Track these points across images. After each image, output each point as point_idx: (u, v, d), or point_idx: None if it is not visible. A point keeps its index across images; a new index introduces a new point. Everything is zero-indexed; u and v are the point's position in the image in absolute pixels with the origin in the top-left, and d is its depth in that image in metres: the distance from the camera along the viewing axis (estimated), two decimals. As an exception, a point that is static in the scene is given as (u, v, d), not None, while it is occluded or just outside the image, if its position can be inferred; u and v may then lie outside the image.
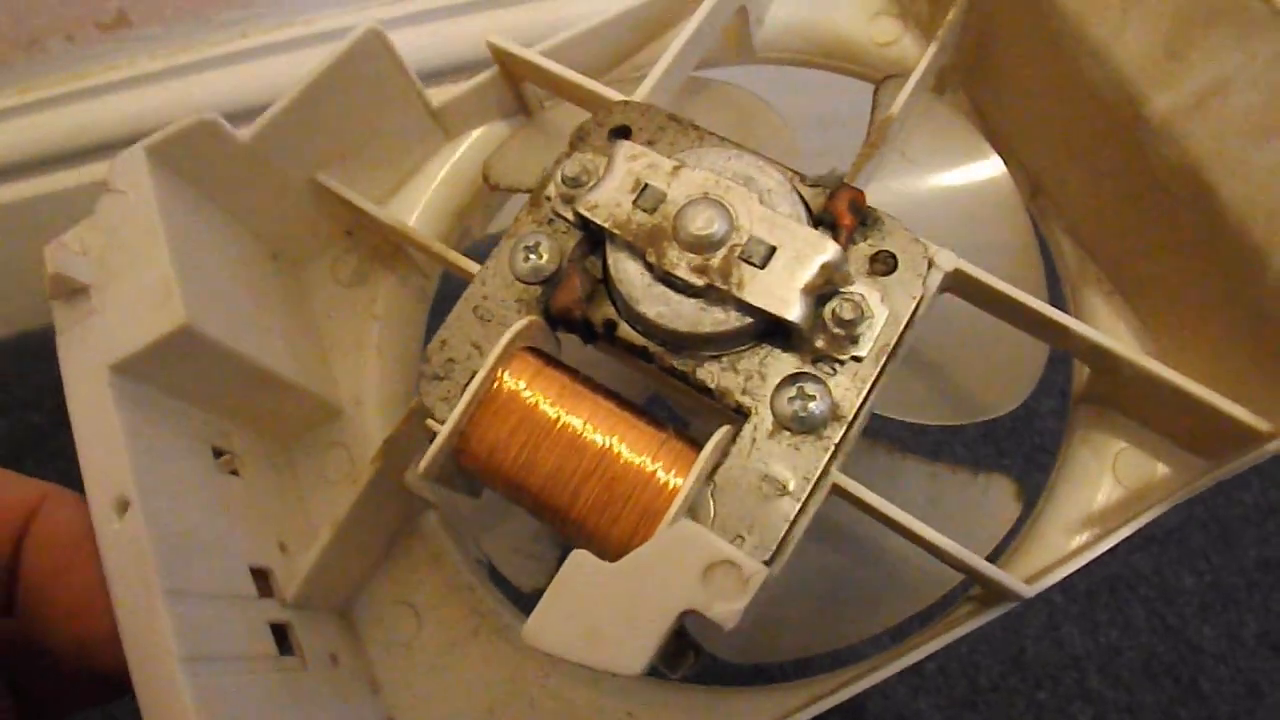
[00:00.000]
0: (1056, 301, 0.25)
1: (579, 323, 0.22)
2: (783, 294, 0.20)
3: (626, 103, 0.24)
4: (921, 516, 0.22)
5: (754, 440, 0.21)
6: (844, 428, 0.21)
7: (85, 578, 0.21)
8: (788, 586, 0.24)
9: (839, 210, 0.21)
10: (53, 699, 0.24)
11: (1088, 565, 0.43)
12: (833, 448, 0.20)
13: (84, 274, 0.24)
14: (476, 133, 0.30)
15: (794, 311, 0.20)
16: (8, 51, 0.57)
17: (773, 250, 0.21)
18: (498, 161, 0.29)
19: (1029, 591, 0.22)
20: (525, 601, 0.27)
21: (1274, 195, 0.22)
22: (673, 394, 0.24)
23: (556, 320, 0.22)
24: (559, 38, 0.29)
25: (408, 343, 0.30)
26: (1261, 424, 0.22)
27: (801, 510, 0.20)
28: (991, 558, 0.24)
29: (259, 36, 0.55)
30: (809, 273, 0.20)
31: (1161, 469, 0.25)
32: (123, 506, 0.22)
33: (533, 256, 0.22)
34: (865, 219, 0.22)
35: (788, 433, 0.21)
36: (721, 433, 0.21)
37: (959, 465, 0.27)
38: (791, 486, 0.20)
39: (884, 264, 0.21)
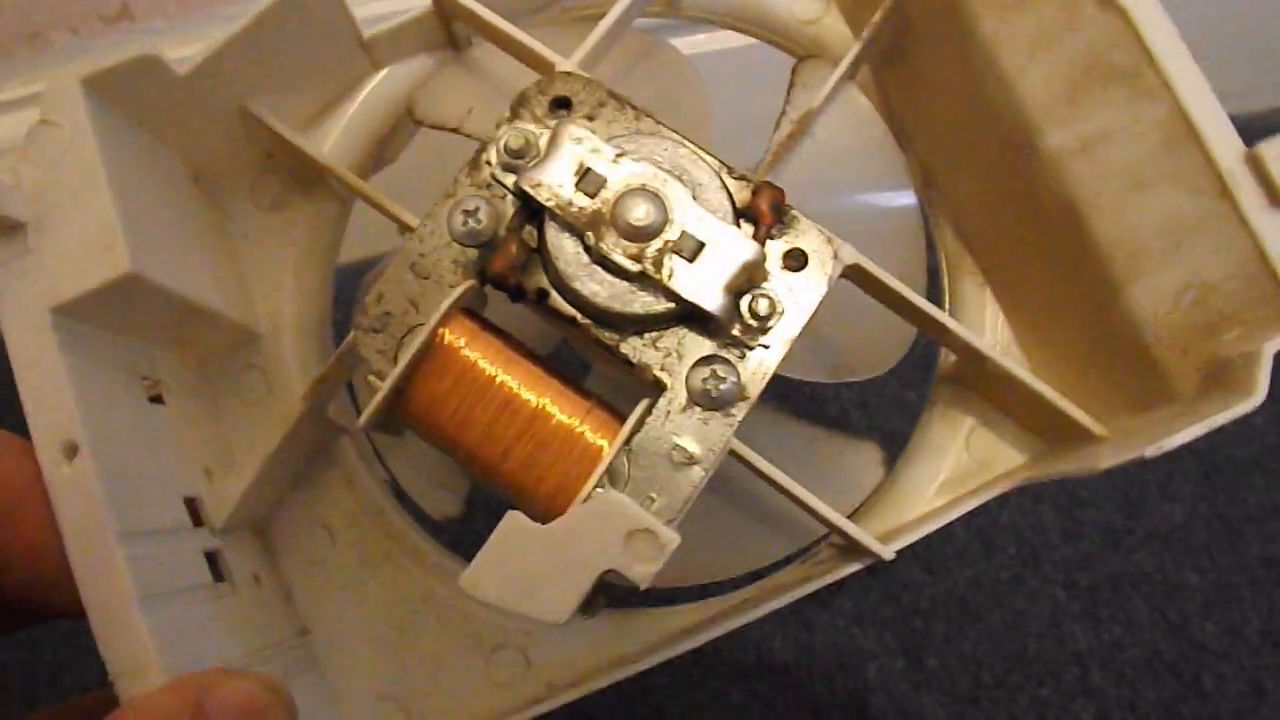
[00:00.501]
0: (933, 282, 0.29)
1: (512, 287, 0.23)
2: (707, 288, 0.22)
3: (570, 74, 0.25)
4: (796, 473, 0.25)
5: (668, 413, 0.23)
6: (748, 407, 0.23)
7: (35, 521, 0.22)
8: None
9: (761, 209, 0.24)
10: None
11: (1089, 562, 0.44)
12: (736, 424, 0.23)
13: (20, 210, 0.23)
14: (402, 65, 0.30)
15: (715, 305, 0.22)
16: (11, 44, 0.57)
17: (702, 246, 0.23)
18: (423, 97, 0.30)
19: (886, 552, 0.25)
20: (433, 525, 0.29)
21: (1137, 240, 0.24)
22: (586, 349, 0.26)
23: (490, 281, 0.24)
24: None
25: (324, 268, 0.30)
26: (1096, 427, 0.25)
27: (704, 476, 0.23)
28: (854, 516, 0.27)
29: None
30: (732, 272, 0.22)
31: (1008, 449, 0.28)
32: (71, 451, 0.22)
33: (471, 220, 0.24)
34: (783, 217, 0.24)
35: (698, 408, 0.23)
36: (641, 406, 0.23)
37: (834, 431, 0.30)
38: (699, 456, 0.23)
39: (796, 260, 0.24)
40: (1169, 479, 0.48)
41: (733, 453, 0.25)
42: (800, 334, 0.23)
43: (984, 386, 0.28)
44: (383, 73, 0.30)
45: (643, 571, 0.21)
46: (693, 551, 0.26)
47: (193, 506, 0.26)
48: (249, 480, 0.26)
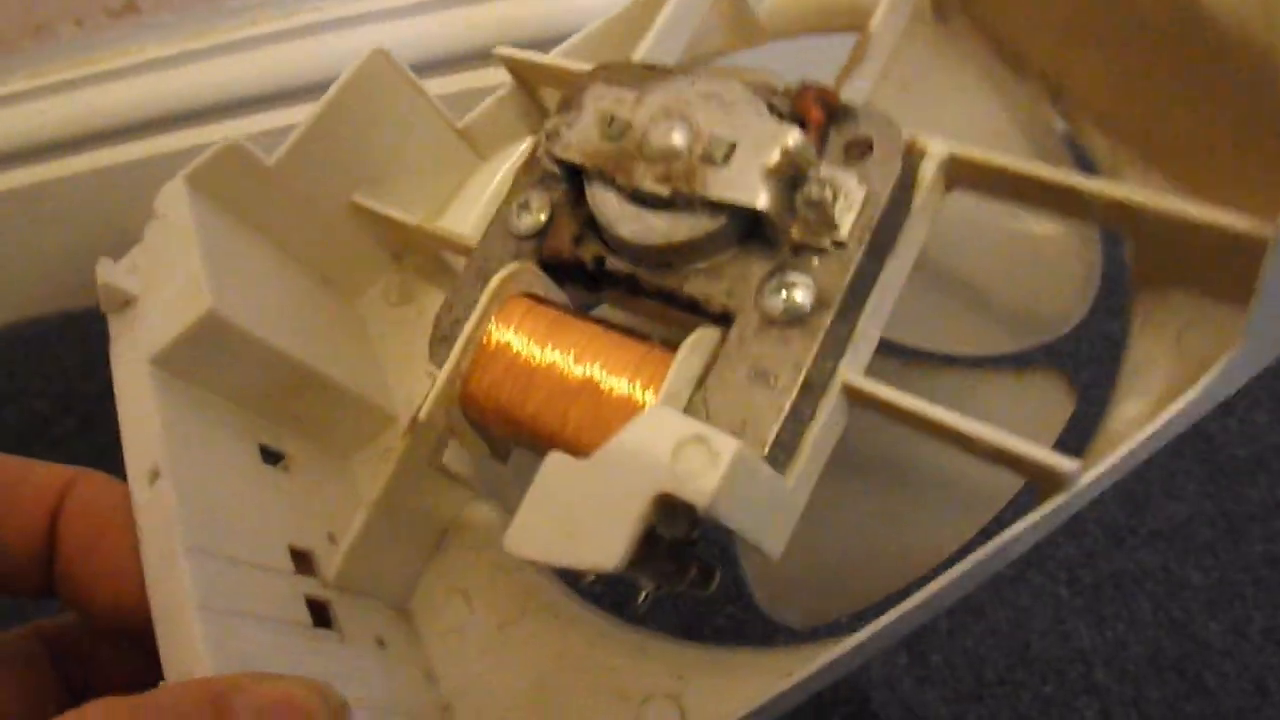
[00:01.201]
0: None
1: (571, 264, 0.23)
2: (746, 183, 0.20)
3: (605, 65, 0.24)
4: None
5: (741, 340, 0.20)
6: (832, 313, 0.20)
7: (119, 544, 0.23)
8: (842, 553, 0.25)
9: (806, 108, 0.21)
10: (99, 686, 0.25)
11: (1093, 559, 0.44)
12: (822, 334, 0.20)
13: (131, 286, 0.26)
14: (510, 149, 0.31)
15: (760, 199, 0.20)
16: (16, 37, 0.57)
17: (733, 147, 0.21)
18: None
19: (1071, 465, 0.20)
20: (569, 576, 0.27)
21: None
22: (657, 321, 0.24)
23: (552, 267, 0.23)
24: (566, 43, 0.30)
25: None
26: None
27: (800, 402, 0.20)
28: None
29: (269, 24, 0.55)
30: (769, 160, 0.20)
31: (1229, 334, 0.22)
32: (154, 476, 0.23)
33: (525, 213, 0.24)
34: (836, 114, 0.22)
35: (774, 327, 0.20)
36: (699, 334, 0.21)
37: (1000, 369, 0.26)
38: (782, 378, 0.20)
39: (858, 148, 0.21)
40: (1172, 477, 0.48)
41: (864, 395, 0.21)
42: (901, 242, 0.20)
43: (1176, 270, 0.23)
44: (496, 164, 0.31)
45: (698, 488, 0.18)
46: (868, 564, 0.26)
47: (304, 559, 0.26)
48: (356, 531, 0.26)
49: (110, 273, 0.26)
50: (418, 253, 0.31)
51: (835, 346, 0.21)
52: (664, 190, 0.21)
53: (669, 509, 0.18)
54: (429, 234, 0.28)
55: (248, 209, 0.28)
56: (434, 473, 0.27)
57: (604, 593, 0.27)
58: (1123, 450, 0.22)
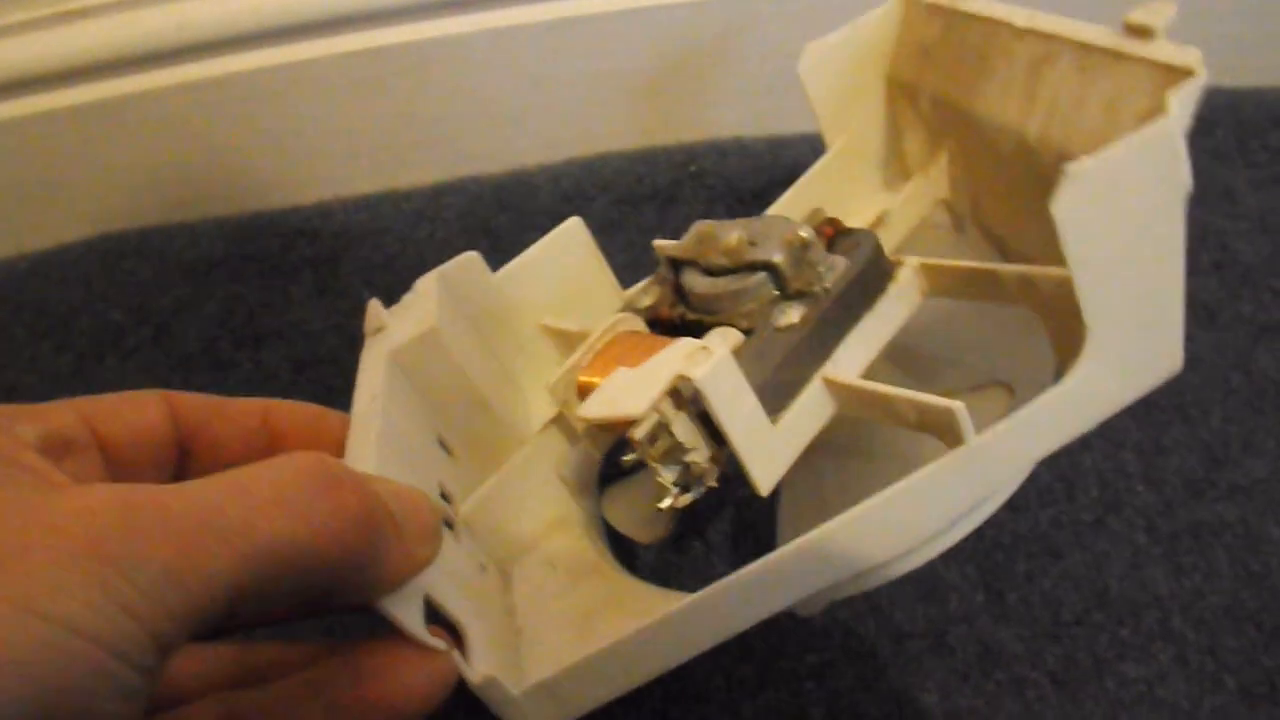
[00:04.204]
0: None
1: (665, 320, 0.35)
2: (769, 251, 0.32)
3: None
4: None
5: (757, 339, 0.31)
6: (810, 326, 0.31)
7: (333, 419, 0.32)
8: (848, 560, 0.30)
9: (821, 227, 0.35)
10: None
11: (1171, 509, 0.43)
12: (801, 337, 0.31)
13: (386, 319, 0.37)
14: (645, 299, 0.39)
15: (776, 257, 0.32)
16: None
17: (767, 236, 0.33)
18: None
19: (957, 404, 0.28)
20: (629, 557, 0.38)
21: (1102, 137, 0.29)
22: None
23: (651, 323, 0.36)
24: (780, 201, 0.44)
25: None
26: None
27: (785, 375, 0.31)
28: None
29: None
30: (784, 237, 0.33)
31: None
32: (373, 399, 0.32)
33: (644, 297, 0.37)
34: (840, 231, 0.35)
35: (776, 332, 0.32)
36: (729, 329, 0.32)
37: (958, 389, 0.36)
38: (774, 355, 0.31)
39: (849, 246, 0.34)
40: (1252, 434, 0.47)
41: (837, 390, 0.32)
42: (873, 307, 0.33)
43: (1065, 325, 0.30)
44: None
45: (698, 369, 0.27)
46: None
47: (446, 497, 0.34)
48: (492, 481, 0.36)
49: (376, 308, 0.37)
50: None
51: (815, 352, 0.32)
52: (724, 261, 0.33)
53: (686, 409, 0.29)
54: (587, 336, 0.37)
55: (470, 301, 0.38)
56: (551, 475, 0.38)
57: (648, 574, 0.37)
58: (1000, 427, 0.29)
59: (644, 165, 0.56)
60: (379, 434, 0.29)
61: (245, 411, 0.30)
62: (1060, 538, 0.44)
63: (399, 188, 0.66)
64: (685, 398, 0.28)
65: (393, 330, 0.35)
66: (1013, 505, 0.44)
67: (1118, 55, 0.30)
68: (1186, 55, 0.29)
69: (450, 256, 0.39)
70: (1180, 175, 0.27)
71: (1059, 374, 0.30)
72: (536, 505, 0.37)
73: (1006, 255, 0.40)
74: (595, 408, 0.29)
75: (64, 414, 0.26)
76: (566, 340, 0.39)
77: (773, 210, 0.43)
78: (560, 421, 0.38)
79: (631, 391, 0.28)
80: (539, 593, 0.35)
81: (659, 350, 0.31)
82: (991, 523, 0.44)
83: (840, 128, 0.45)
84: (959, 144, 0.42)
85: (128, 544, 0.18)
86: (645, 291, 0.36)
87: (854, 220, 0.40)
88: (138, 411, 0.28)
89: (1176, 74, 0.28)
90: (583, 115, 0.64)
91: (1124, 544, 0.44)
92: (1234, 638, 0.41)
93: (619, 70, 0.63)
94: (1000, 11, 0.37)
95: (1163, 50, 0.29)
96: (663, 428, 0.29)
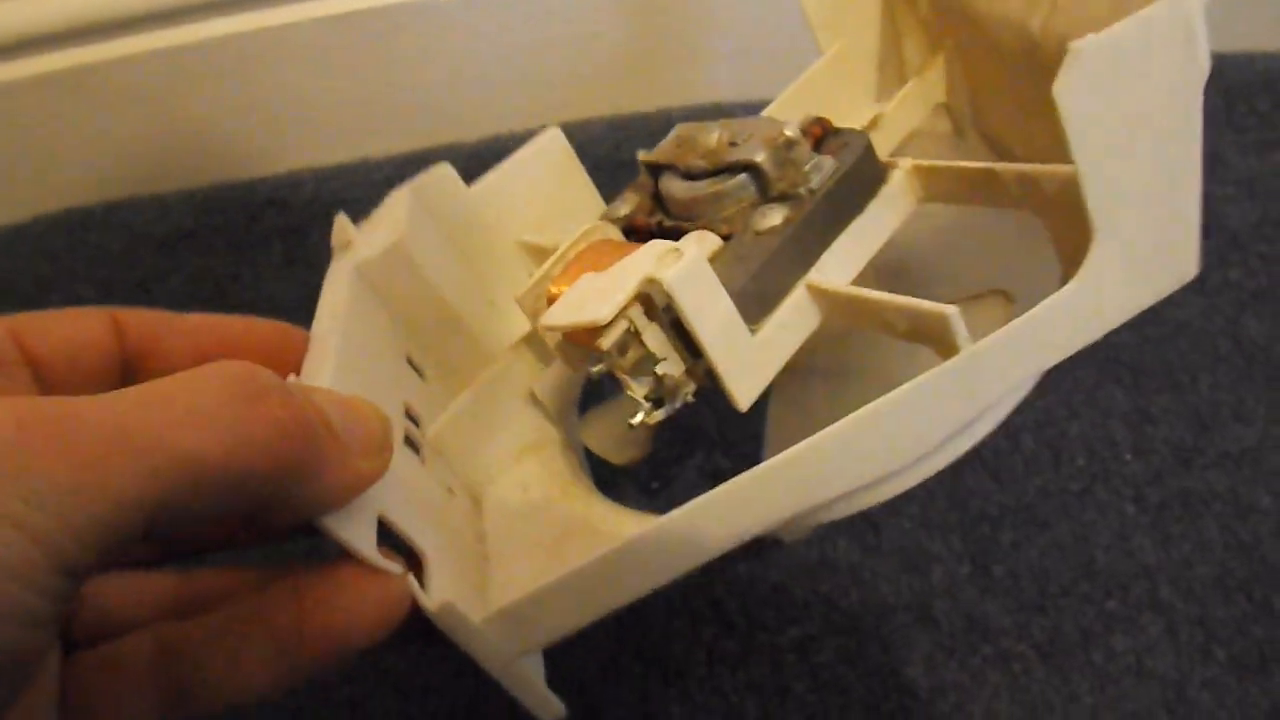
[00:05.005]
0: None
1: (642, 228, 0.32)
2: (751, 151, 0.30)
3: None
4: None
5: (737, 243, 0.29)
6: (793, 227, 0.29)
7: (282, 333, 0.29)
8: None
9: (810, 127, 0.31)
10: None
11: (1160, 478, 0.43)
12: (783, 239, 0.29)
13: (354, 235, 0.34)
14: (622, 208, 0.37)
15: (759, 156, 0.29)
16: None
17: (750, 136, 0.30)
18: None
19: (951, 309, 0.25)
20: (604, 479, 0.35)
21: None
22: None
23: (630, 232, 0.33)
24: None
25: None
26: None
27: (765, 283, 0.28)
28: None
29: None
30: (768, 135, 0.30)
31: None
32: (334, 318, 0.30)
33: (621, 206, 0.34)
34: (829, 131, 0.31)
35: (757, 235, 0.29)
36: (706, 232, 0.30)
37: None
38: (753, 260, 0.28)
39: (830, 141, 0.31)
40: (1241, 401, 0.46)
41: (820, 297, 0.29)
42: (861, 210, 0.30)
43: (1069, 228, 0.28)
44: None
45: (669, 273, 0.25)
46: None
47: (412, 418, 0.32)
48: (461, 401, 0.34)
49: (344, 223, 0.34)
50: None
51: (799, 257, 0.29)
52: (704, 164, 0.31)
53: (658, 318, 0.27)
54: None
55: (444, 218, 0.36)
56: (525, 395, 0.35)
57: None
58: (997, 335, 0.26)
59: (621, 131, 0.55)
60: (336, 350, 0.27)
61: (200, 328, 0.28)
62: (1047, 508, 0.43)
63: (371, 156, 0.64)
64: (658, 305, 0.26)
65: (360, 247, 0.33)
66: (998, 476, 0.44)
67: None
68: None
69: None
70: (1197, 56, 0.25)
71: (1063, 283, 0.27)
72: (509, 427, 0.35)
73: (1010, 160, 0.36)
74: (558, 315, 0.26)
75: None
76: (546, 257, 0.36)
77: (763, 115, 0.39)
78: (533, 339, 0.35)
79: (597, 297, 0.25)
80: (510, 518, 0.32)
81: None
82: (977, 493, 0.43)
83: (835, 32, 0.42)
84: (958, 45, 0.39)
85: (22, 459, 0.17)
86: (623, 200, 0.34)
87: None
88: (76, 327, 0.26)
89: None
90: (559, 81, 0.63)
91: (1112, 514, 0.43)
92: (1223, 608, 0.40)
93: (596, 35, 0.61)
94: None
95: None
96: (632, 336, 0.26)
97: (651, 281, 0.25)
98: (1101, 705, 0.38)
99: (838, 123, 0.32)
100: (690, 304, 0.25)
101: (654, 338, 0.26)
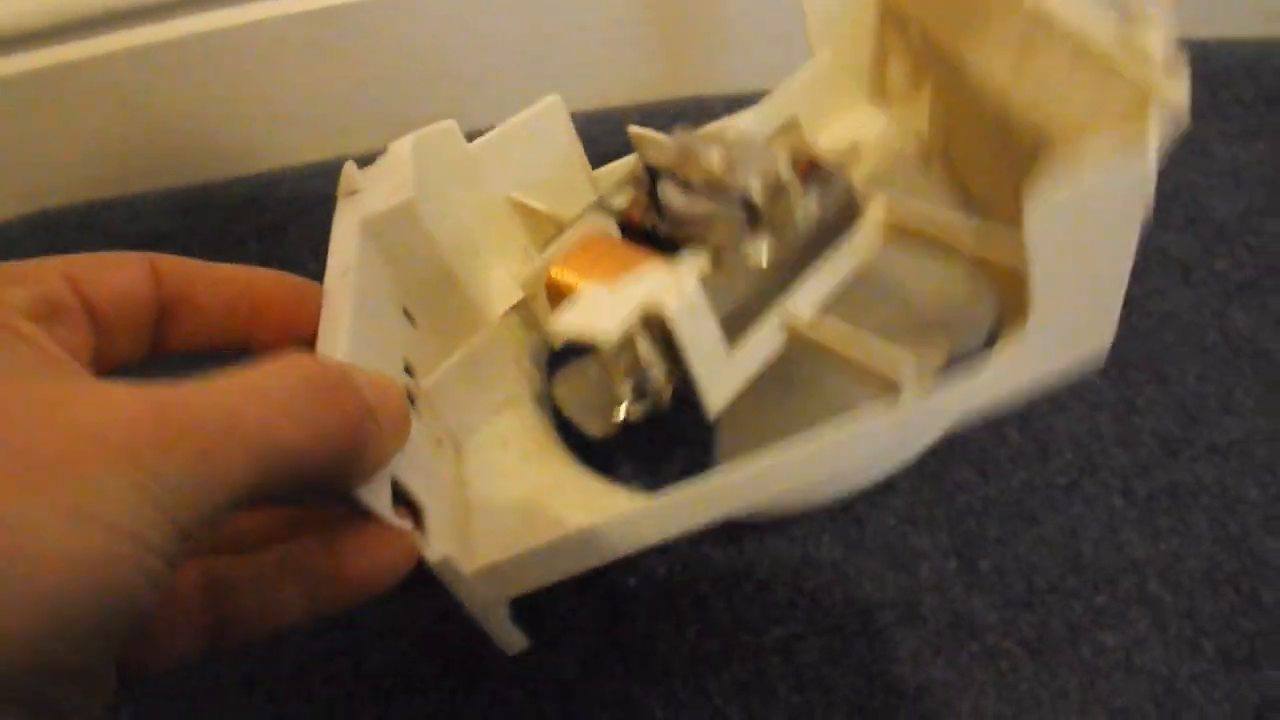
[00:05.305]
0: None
1: (636, 227, 0.35)
2: (748, 183, 0.32)
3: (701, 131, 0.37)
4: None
5: (722, 266, 0.32)
6: (775, 263, 0.32)
7: (313, 292, 0.32)
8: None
9: (799, 162, 0.34)
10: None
11: (1148, 471, 0.42)
12: (765, 271, 0.32)
13: (361, 182, 0.37)
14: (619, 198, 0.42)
15: (754, 190, 0.32)
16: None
17: (747, 164, 0.33)
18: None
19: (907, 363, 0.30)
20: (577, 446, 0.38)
21: (1079, 130, 0.32)
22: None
23: (626, 228, 0.36)
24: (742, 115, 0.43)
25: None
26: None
27: (745, 306, 0.32)
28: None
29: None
30: (758, 163, 0.32)
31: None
32: (345, 272, 0.32)
33: (618, 197, 0.36)
34: (817, 168, 0.34)
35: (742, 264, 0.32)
36: (696, 252, 0.32)
37: None
38: (738, 288, 0.32)
39: (813, 177, 0.34)
40: (1230, 393, 0.46)
41: (790, 329, 0.33)
42: (838, 248, 0.34)
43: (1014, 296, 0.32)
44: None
45: (668, 301, 0.29)
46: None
47: (409, 371, 0.35)
48: (455, 358, 0.38)
49: (351, 170, 0.36)
50: (542, 235, 0.42)
51: (776, 287, 0.33)
52: (701, 181, 0.33)
53: (660, 331, 0.30)
54: (553, 217, 0.40)
55: (442, 170, 0.38)
56: (511, 356, 0.39)
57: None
58: (932, 393, 0.31)
59: (600, 126, 0.54)
60: (352, 314, 0.30)
61: (229, 279, 0.30)
62: (1034, 502, 0.42)
63: (350, 154, 0.63)
64: (651, 320, 0.30)
65: (366, 195, 0.36)
66: (983, 470, 0.43)
67: (1110, 69, 0.31)
68: (1176, 88, 0.29)
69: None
70: (1146, 196, 0.29)
71: (999, 324, 0.32)
72: (494, 384, 0.39)
73: (968, 197, 0.41)
74: (567, 324, 0.29)
75: (51, 277, 0.26)
76: (533, 217, 0.41)
77: (751, 115, 0.43)
78: (523, 307, 0.39)
79: (603, 312, 0.29)
80: (490, 469, 0.37)
81: (631, 264, 0.32)
82: (963, 487, 0.43)
83: (828, 38, 0.45)
84: (940, 80, 0.41)
85: (162, 451, 0.20)
86: (619, 190, 0.36)
87: (827, 135, 0.44)
88: (122, 273, 0.28)
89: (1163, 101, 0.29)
90: (540, 76, 0.62)
91: (1099, 507, 0.42)
92: (1212, 602, 0.40)
93: (577, 30, 0.61)
94: None
95: (1155, 73, 0.29)
96: (626, 345, 0.30)
97: (654, 308, 0.29)
98: (1090, 701, 0.38)
99: (819, 126, 0.39)
100: (686, 333, 0.29)
101: (645, 347, 0.30)
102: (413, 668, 0.40)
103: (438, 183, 0.37)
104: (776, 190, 0.33)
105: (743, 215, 0.33)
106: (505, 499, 0.36)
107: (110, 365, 0.28)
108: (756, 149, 0.34)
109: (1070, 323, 0.32)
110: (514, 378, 0.40)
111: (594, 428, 0.37)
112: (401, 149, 0.37)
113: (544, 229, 0.40)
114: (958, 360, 0.33)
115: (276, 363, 0.24)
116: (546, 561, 0.31)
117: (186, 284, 0.30)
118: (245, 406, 0.22)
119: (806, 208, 0.33)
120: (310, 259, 0.56)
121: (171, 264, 0.29)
